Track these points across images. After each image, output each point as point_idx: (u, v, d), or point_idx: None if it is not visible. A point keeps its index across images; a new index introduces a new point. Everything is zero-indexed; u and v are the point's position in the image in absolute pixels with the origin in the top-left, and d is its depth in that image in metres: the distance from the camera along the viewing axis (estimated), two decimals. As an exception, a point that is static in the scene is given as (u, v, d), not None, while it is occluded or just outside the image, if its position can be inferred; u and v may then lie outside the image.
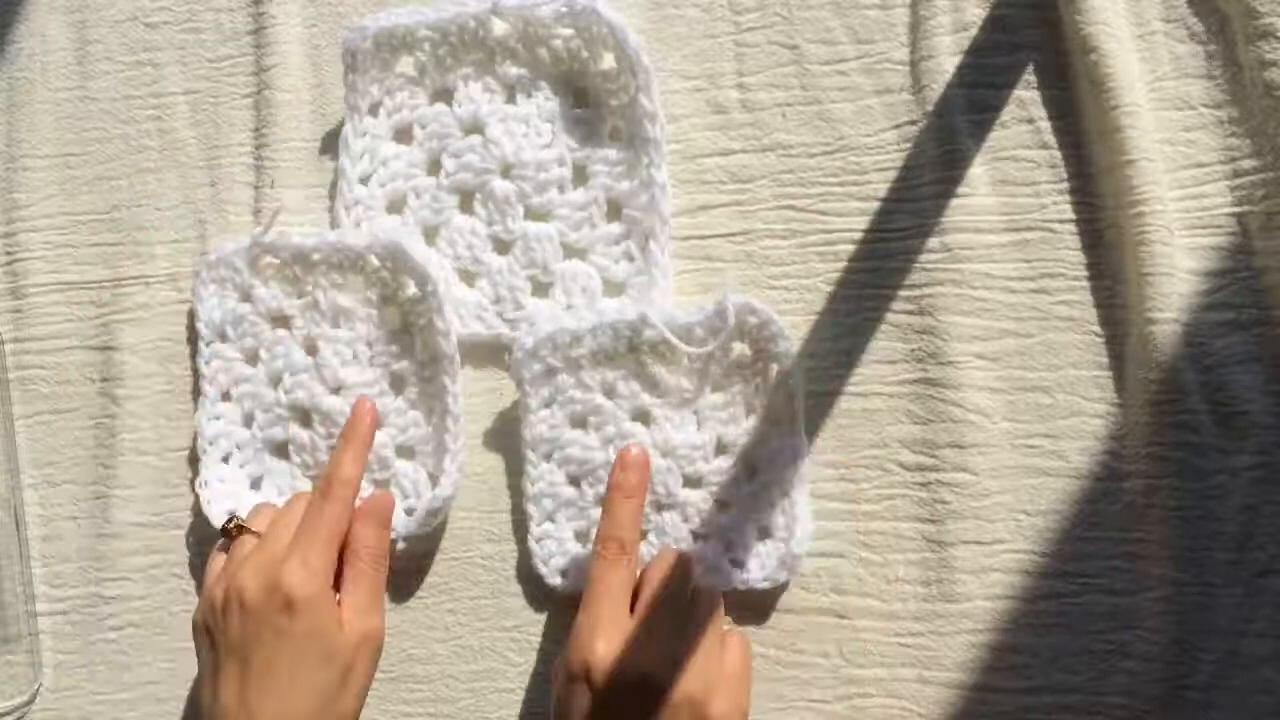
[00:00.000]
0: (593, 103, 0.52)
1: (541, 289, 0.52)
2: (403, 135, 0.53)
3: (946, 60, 0.50)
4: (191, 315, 0.53)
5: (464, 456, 0.50)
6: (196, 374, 0.53)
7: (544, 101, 0.52)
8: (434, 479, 0.51)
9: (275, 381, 0.52)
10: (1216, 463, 0.46)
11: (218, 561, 0.48)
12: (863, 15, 0.51)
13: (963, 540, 0.48)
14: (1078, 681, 0.46)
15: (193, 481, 0.53)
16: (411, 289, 0.50)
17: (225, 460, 0.52)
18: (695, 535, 0.49)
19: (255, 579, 0.44)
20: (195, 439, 0.53)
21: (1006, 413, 0.48)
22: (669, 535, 0.49)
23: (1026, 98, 0.49)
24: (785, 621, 0.49)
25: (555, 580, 0.50)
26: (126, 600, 0.53)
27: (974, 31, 0.50)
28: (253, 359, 0.53)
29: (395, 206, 0.53)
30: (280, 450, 0.53)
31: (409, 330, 0.51)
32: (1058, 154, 0.49)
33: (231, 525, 0.48)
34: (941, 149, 0.49)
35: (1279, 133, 0.46)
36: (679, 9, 0.53)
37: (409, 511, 0.51)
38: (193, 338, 0.54)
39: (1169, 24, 0.49)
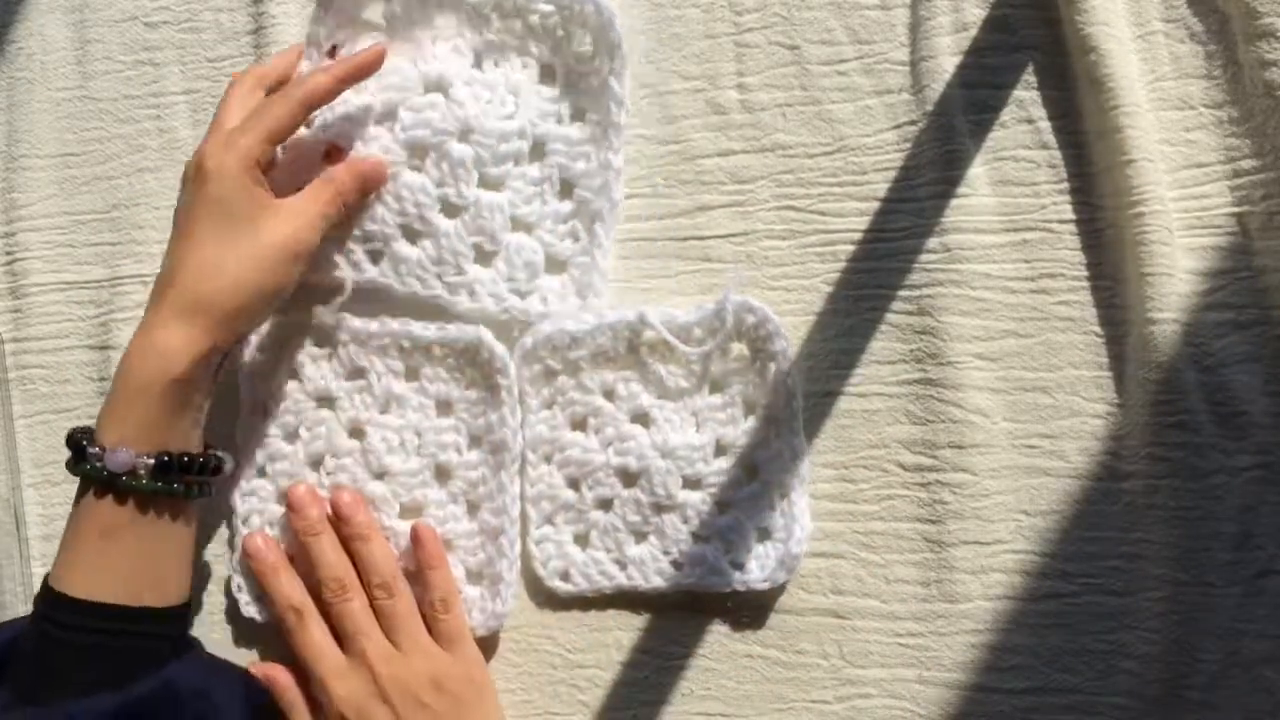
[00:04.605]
0: (562, 80, 0.51)
1: (485, 257, 0.51)
2: None
3: (946, 60, 0.50)
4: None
5: (519, 565, 0.50)
6: (234, 445, 0.51)
7: (513, 73, 0.51)
8: (481, 577, 0.50)
9: (315, 462, 0.51)
10: (1216, 463, 0.46)
11: None
12: (863, 15, 0.51)
13: (963, 540, 0.48)
14: (1078, 681, 0.46)
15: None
16: (481, 389, 0.50)
17: None
18: (695, 537, 0.49)
19: (193, 157, 0.47)
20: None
21: (1006, 413, 0.48)
22: (669, 537, 0.49)
23: (1026, 98, 0.49)
24: (785, 621, 0.49)
25: (554, 582, 0.50)
26: (127, 600, 0.53)
27: (974, 31, 0.50)
28: (291, 436, 0.51)
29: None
30: None
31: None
32: (1058, 154, 0.49)
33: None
34: (941, 149, 0.49)
35: (1279, 133, 0.46)
36: (679, 9, 0.53)
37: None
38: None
39: (1169, 24, 0.49)
